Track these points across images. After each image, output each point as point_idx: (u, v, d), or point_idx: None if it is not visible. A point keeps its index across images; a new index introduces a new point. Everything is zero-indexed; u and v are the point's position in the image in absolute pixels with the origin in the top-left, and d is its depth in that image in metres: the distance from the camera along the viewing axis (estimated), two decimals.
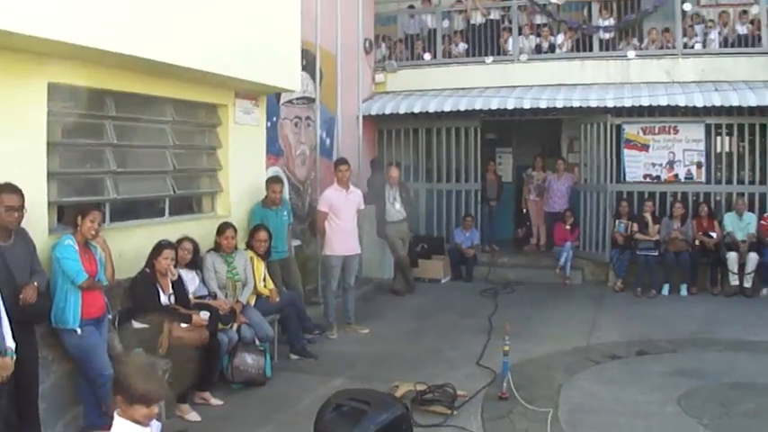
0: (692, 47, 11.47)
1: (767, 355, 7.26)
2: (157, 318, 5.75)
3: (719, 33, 11.47)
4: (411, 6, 13.46)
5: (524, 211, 13.42)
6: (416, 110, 11.84)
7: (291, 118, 9.92)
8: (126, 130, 6.29)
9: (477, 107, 11.58)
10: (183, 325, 5.81)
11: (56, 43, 4.76)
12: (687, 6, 11.51)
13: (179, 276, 6.12)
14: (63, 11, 4.73)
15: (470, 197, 12.51)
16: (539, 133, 14.00)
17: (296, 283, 8.16)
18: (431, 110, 11.77)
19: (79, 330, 5.11)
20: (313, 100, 10.27)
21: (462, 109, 11.61)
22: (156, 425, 3.02)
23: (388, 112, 11.98)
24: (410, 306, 10.05)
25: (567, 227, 11.70)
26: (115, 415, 2.89)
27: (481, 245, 12.35)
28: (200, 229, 6.98)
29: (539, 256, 12.44)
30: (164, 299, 5.92)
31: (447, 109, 11.68)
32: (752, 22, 11.31)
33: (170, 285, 6.02)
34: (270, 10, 7.46)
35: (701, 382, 6.41)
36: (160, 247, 5.94)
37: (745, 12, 11.46)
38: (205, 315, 5.92)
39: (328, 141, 10.92)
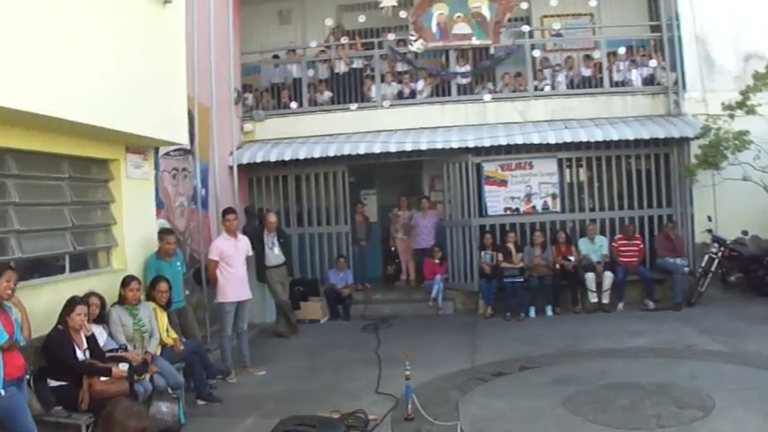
0: (542, 89, 12.75)
1: (632, 360, 8.22)
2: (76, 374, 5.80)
3: (566, 76, 12.83)
4: (275, 56, 13.90)
5: (393, 249, 14.10)
6: (287, 157, 12.24)
7: (170, 170, 10.01)
8: (27, 188, 6.31)
9: (346, 152, 12.13)
10: (103, 378, 5.88)
11: None
12: (536, 53, 12.85)
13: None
14: None
15: (341, 239, 12.99)
16: (399, 175, 14.82)
17: (194, 332, 8.31)
18: (301, 157, 12.20)
19: (3, 392, 5.09)
20: (189, 151, 10.41)
21: (331, 155, 12.15)
22: None
23: (259, 160, 12.27)
24: (298, 346, 10.34)
25: (437, 261, 12.45)
26: None
27: (354, 284, 12.84)
28: (99, 283, 7.03)
29: (410, 291, 13.11)
30: (80, 354, 5.96)
31: (317, 155, 12.17)
32: (595, 65, 12.74)
33: (84, 341, 6.06)
34: (158, 65, 7.69)
35: (579, 386, 7.20)
36: (73, 304, 5.99)
37: (588, 56, 12.90)
38: (124, 366, 6.01)
39: (204, 191, 11.08)
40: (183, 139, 8.45)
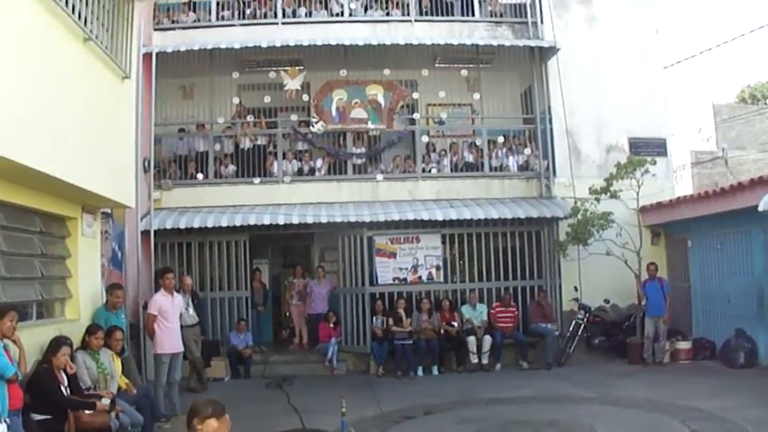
0: (430, 171, 14.28)
1: (521, 405, 9.68)
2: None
3: (451, 160, 14.43)
4: (181, 129, 14.65)
5: (287, 314, 14.97)
6: (195, 225, 12.92)
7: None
8: (10, 238, 6.92)
9: (252, 222, 12.99)
10: (87, 412, 6.49)
11: None
12: (425, 138, 14.40)
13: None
14: None
15: (241, 303, 13.62)
16: (289, 246, 15.84)
17: (136, 379, 8.87)
18: (209, 225, 12.91)
19: (8, 420, 5.66)
20: (110, 215, 11.00)
21: (238, 224, 12.96)
22: None
23: (169, 226, 12.86)
24: None
25: (331, 325, 13.42)
26: None
27: (253, 345, 13.51)
28: (56, 331, 7.50)
29: (304, 353, 13.94)
30: (63, 391, 6.55)
31: (224, 224, 12.93)
32: (477, 151, 14.39)
33: (65, 378, 6.66)
34: (115, 133, 8.51)
35: (481, 425, 8.55)
36: (59, 345, 6.63)
37: (472, 143, 14.58)
38: (106, 401, 6.67)
39: (120, 254, 11.62)
40: (131, 203, 9.17)
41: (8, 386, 5.70)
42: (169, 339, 9.27)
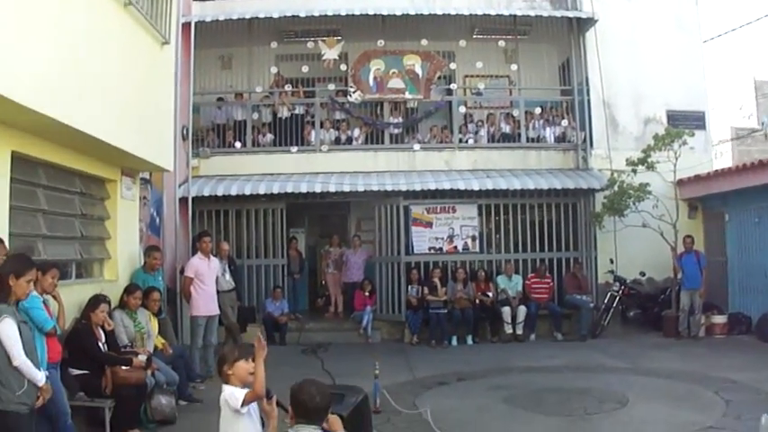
0: (467, 141, 14.25)
1: (553, 374, 9.70)
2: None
3: (488, 131, 14.37)
4: (220, 99, 14.79)
5: (323, 283, 15.10)
6: (233, 192, 13.10)
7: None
8: (51, 198, 7.08)
9: (289, 191, 13.09)
10: (124, 367, 6.66)
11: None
12: (462, 109, 14.36)
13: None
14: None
15: (277, 271, 13.81)
16: (325, 215, 15.97)
17: (172, 340, 9.04)
18: (246, 192, 13.07)
19: (47, 372, 5.81)
20: (148, 181, 11.18)
21: (276, 192, 13.06)
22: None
23: (206, 193, 13.06)
24: None
25: (366, 293, 13.51)
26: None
27: (288, 313, 13.68)
28: (94, 291, 7.66)
29: (339, 322, 14.07)
30: (101, 347, 6.71)
31: (261, 192, 13.06)
32: (514, 122, 14.31)
33: (102, 335, 6.82)
34: (156, 98, 8.64)
35: (513, 391, 8.55)
36: (97, 301, 6.79)
37: (509, 114, 14.50)
38: (143, 357, 6.82)
39: (158, 220, 11.82)
40: (170, 167, 9.31)
41: (47, 340, 5.85)
42: (205, 302, 9.42)
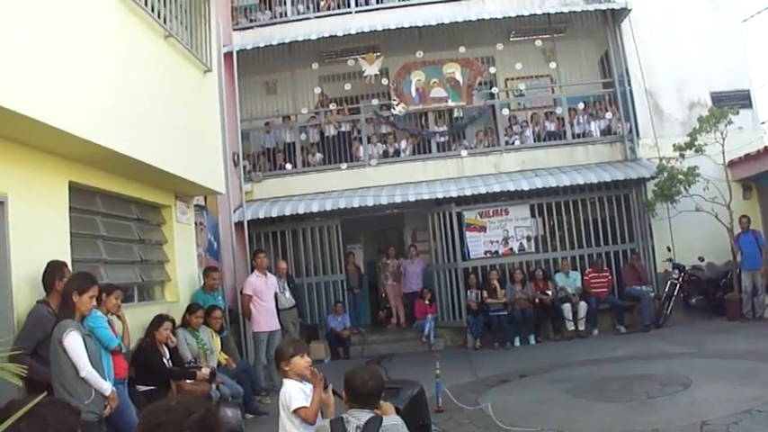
0: (513, 143, 14.26)
1: (615, 364, 9.61)
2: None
3: (533, 131, 14.37)
4: (267, 123, 15.16)
5: (383, 295, 15.25)
6: (287, 213, 13.36)
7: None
8: (109, 225, 7.41)
9: (341, 206, 13.27)
10: (189, 381, 6.89)
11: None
12: (505, 111, 14.40)
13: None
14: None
15: (337, 286, 14.01)
16: (381, 230, 16.13)
17: (235, 355, 9.29)
18: (300, 212, 13.33)
19: (114, 388, 6.07)
20: (204, 207, 11.53)
21: (328, 209, 13.26)
22: None
23: (261, 216, 13.35)
24: None
25: (426, 302, 13.58)
26: None
27: (351, 327, 13.83)
28: (157, 312, 8.00)
29: (402, 332, 14.18)
30: (165, 363, 6.97)
31: (315, 210, 13.29)
32: (557, 120, 14.29)
33: (166, 351, 7.08)
34: (203, 123, 8.95)
35: (575, 383, 8.53)
36: (160, 320, 7.07)
37: (552, 112, 14.49)
38: (206, 371, 7.04)
39: (216, 244, 12.15)
40: (222, 189, 9.61)
41: (113, 357, 6.12)
42: (265, 318, 9.66)
